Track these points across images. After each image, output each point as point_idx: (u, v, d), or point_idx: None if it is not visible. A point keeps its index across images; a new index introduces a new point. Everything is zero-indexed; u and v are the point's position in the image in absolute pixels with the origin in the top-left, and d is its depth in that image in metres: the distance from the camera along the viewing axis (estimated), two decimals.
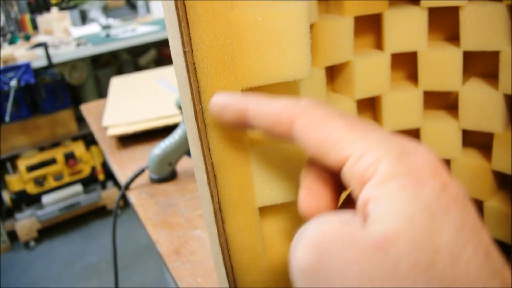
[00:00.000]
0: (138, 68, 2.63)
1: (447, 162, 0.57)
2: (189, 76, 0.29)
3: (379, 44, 0.53)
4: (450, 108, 0.56)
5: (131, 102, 1.24)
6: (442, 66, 0.51)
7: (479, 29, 0.48)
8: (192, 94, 0.29)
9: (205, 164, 0.31)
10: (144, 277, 2.04)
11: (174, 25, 0.28)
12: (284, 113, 0.25)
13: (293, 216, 0.38)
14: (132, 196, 0.88)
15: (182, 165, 0.95)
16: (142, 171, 0.90)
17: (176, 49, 0.30)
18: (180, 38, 0.28)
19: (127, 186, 0.90)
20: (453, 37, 0.53)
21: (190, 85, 0.29)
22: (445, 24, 0.52)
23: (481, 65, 0.53)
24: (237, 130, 0.29)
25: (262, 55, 0.29)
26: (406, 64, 0.55)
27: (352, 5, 0.49)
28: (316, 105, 0.24)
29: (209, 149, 0.31)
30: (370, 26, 0.53)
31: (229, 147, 0.31)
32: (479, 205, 0.58)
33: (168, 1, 0.29)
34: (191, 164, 0.96)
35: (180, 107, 0.86)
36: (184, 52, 0.28)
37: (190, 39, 0.28)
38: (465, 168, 0.55)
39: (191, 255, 0.69)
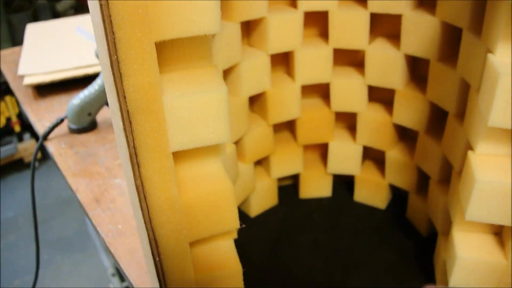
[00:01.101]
0: (55, 14, 2.51)
1: (354, 116, 0.62)
2: (105, 28, 0.31)
3: (292, 2, 0.56)
4: (357, 66, 0.61)
5: (49, 51, 1.21)
6: (351, 26, 0.55)
7: None
8: (108, 45, 0.31)
9: (121, 111, 0.34)
10: (63, 230, 2.02)
11: None
12: None
13: (206, 161, 0.41)
14: (51, 146, 0.88)
15: (102, 115, 0.96)
16: (61, 121, 0.90)
17: (93, 1, 0.32)
18: None
19: (45, 137, 0.89)
20: None
21: (106, 36, 0.31)
22: None
23: (386, 27, 0.57)
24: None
25: (174, 9, 0.32)
26: (318, 23, 0.59)
27: None
28: None
29: (125, 97, 0.33)
30: None
31: (143, 94, 0.33)
32: (381, 155, 0.64)
33: None
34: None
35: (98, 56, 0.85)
36: (100, 4, 0.30)
37: None
38: (370, 121, 0.61)
39: (111, 202, 0.72)
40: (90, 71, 1.08)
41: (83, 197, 0.73)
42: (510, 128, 0.38)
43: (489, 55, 0.39)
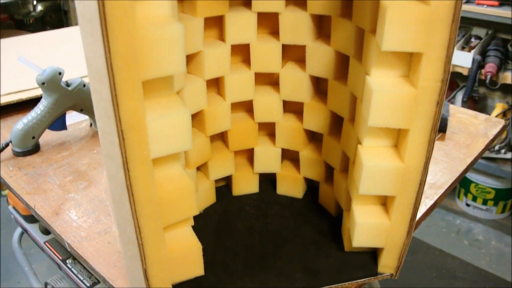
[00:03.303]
0: None
1: (273, 124, 0.79)
2: (108, 73, 0.44)
3: (222, 38, 0.72)
4: (274, 85, 0.78)
5: None
6: (267, 54, 0.72)
7: (292, 28, 0.70)
8: (110, 83, 0.45)
9: (117, 130, 0.47)
10: None
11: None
12: None
13: (173, 165, 0.55)
14: None
15: (43, 137, 1.05)
16: (6, 145, 0.99)
17: (99, 52, 0.45)
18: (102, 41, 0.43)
19: None
20: (275, 32, 0.73)
21: (109, 77, 0.45)
22: (269, 23, 0.73)
23: (295, 54, 0.75)
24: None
25: (153, 61, 0.46)
26: (241, 52, 0.75)
27: (202, 7, 0.66)
28: None
29: (120, 120, 0.47)
30: (215, 25, 0.71)
31: (133, 117, 0.47)
32: (296, 154, 0.81)
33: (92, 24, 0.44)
34: (53, 136, 1.06)
35: (42, 84, 0.95)
36: (106, 58, 0.44)
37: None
38: (285, 128, 0.78)
39: (69, 214, 0.83)
40: (24, 96, 1.17)
41: (43, 212, 0.84)
42: (384, 126, 0.56)
43: (367, 77, 0.58)
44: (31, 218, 1.38)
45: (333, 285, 0.66)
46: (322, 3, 0.66)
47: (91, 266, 0.73)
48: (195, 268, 0.62)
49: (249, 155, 0.85)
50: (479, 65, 1.96)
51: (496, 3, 1.94)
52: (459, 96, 2.15)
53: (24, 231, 1.39)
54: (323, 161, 0.78)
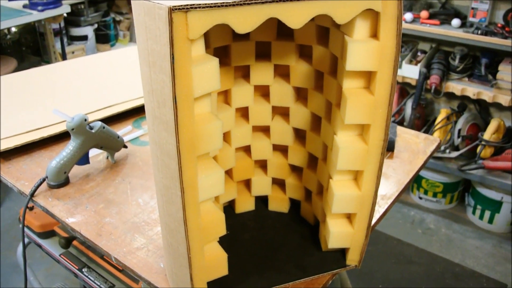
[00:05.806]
0: None
1: (265, 161, 1.10)
2: (178, 154, 0.74)
3: (227, 102, 1.02)
4: (265, 132, 1.09)
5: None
6: (261, 112, 1.03)
7: (279, 95, 1.00)
8: (178, 162, 0.74)
9: (180, 187, 0.77)
10: None
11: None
12: None
13: (210, 202, 0.85)
14: (40, 201, 1.23)
15: (71, 171, 1.32)
16: (43, 180, 1.26)
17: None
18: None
19: (32, 194, 1.24)
20: (266, 94, 1.04)
21: (178, 158, 0.74)
22: (262, 88, 1.04)
23: (281, 110, 1.06)
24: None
25: (203, 144, 0.76)
26: (243, 112, 1.06)
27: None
28: None
29: (182, 182, 0.76)
30: (222, 93, 1.01)
31: (190, 179, 0.76)
32: (283, 181, 1.12)
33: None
34: (78, 169, 1.33)
35: (72, 129, 1.22)
36: (177, 146, 0.73)
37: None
38: (275, 163, 1.09)
39: (110, 235, 1.11)
40: (45, 133, 1.43)
41: (87, 235, 1.11)
42: (347, 169, 0.88)
43: (334, 136, 0.89)
44: (45, 235, 1.66)
45: (316, 275, 0.98)
46: (301, 79, 0.97)
47: (137, 273, 1.01)
48: (222, 270, 0.92)
49: (247, 183, 1.15)
50: (425, 76, 2.33)
51: (438, 22, 2.31)
52: (409, 103, 2.51)
53: (38, 246, 1.66)
54: (303, 186, 1.09)
